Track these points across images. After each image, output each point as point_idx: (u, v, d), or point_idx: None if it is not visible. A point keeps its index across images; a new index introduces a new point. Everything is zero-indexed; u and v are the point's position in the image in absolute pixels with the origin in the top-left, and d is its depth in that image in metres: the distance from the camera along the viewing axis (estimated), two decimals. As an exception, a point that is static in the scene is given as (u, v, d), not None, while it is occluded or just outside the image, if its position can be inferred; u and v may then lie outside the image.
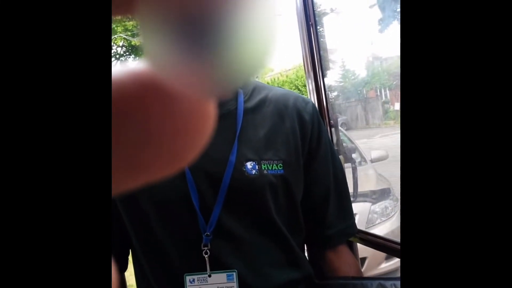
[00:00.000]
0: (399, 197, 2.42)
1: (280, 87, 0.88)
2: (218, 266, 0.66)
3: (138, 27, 0.09)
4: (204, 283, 0.66)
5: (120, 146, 0.11)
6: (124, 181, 0.12)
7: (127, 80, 0.11)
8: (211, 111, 0.12)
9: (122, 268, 0.79)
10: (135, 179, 0.12)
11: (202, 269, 0.66)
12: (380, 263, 2.18)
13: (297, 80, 13.88)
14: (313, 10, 0.92)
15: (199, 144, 0.12)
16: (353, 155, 1.60)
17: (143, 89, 0.11)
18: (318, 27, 0.98)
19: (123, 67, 0.11)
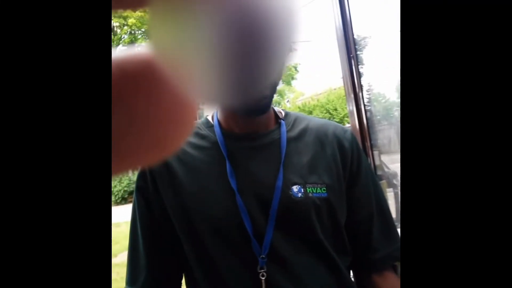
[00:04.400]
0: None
1: (310, 111, 0.90)
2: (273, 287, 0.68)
3: (149, 15, 0.09)
4: (261, 305, 0.66)
5: None
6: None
7: (125, 63, 0.11)
8: (194, 102, 0.12)
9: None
10: (117, 165, 0.11)
11: None
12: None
13: (328, 104, 13.84)
14: (354, 41, 0.95)
15: (182, 134, 0.12)
16: (394, 181, 1.58)
17: (132, 73, 0.11)
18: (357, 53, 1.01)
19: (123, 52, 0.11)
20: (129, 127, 0.11)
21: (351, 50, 0.93)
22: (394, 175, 1.57)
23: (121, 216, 6.43)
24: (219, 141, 0.74)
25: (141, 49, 0.11)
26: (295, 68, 15.47)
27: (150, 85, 0.11)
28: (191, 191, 0.72)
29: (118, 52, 0.11)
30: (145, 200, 0.75)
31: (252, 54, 0.09)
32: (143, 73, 0.11)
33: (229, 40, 0.08)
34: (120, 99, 0.11)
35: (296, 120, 0.81)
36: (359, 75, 0.95)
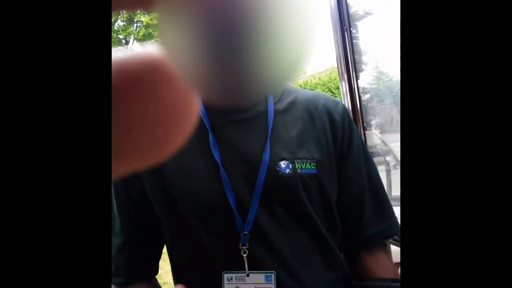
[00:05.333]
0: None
1: (312, 89, 0.87)
2: (256, 265, 0.67)
3: (158, 17, 0.09)
4: (242, 282, 0.66)
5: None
6: None
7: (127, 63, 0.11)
8: (194, 102, 0.12)
9: (154, 272, 0.80)
10: (118, 167, 0.11)
11: (241, 268, 0.67)
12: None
13: (330, 82, 13.71)
14: (348, 14, 0.92)
15: (182, 135, 0.12)
16: (387, 158, 1.57)
17: (131, 75, 0.11)
18: (352, 29, 0.98)
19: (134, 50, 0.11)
20: (129, 128, 0.11)
21: (344, 22, 0.89)
22: (387, 152, 1.56)
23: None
24: (201, 113, 0.71)
25: (140, 48, 0.11)
26: (297, 46, 15.13)
27: (150, 86, 0.11)
28: (171, 164, 0.70)
29: (118, 52, 0.11)
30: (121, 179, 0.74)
31: (256, 55, 0.08)
32: (143, 74, 0.11)
33: (230, 40, 0.08)
34: (120, 100, 0.11)
35: (284, 92, 0.77)
36: (353, 50, 0.93)
